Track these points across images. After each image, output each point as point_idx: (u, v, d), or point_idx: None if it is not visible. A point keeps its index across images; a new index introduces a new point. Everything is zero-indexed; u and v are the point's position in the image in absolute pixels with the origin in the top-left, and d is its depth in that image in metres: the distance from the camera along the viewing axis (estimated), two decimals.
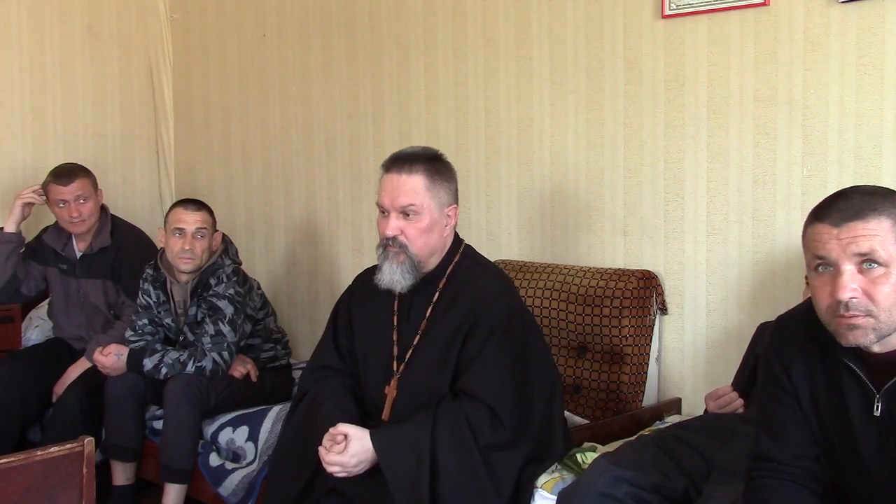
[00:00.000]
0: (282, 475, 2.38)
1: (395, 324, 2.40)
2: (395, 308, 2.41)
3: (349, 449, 2.17)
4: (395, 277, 2.31)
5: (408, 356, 2.35)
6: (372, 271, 2.54)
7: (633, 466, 2.03)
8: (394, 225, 2.29)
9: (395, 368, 2.36)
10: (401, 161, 2.32)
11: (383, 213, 2.33)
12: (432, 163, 2.34)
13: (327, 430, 2.23)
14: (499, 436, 2.21)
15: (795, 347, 1.73)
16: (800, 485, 1.73)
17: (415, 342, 2.36)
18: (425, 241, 2.32)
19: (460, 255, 2.42)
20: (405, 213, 2.29)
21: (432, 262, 2.37)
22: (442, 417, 2.19)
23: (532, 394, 2.29)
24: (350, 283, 2.63)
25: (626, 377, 2.85)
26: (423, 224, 2.30)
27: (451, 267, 2.39)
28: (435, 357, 2.32)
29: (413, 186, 2.29)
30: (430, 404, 2.25)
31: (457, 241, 2.44)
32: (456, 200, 2.40)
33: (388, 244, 2.30)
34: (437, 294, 2.36)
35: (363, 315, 2.48)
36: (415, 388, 2.32)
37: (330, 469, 2.18)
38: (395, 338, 2.39)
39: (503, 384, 2.23)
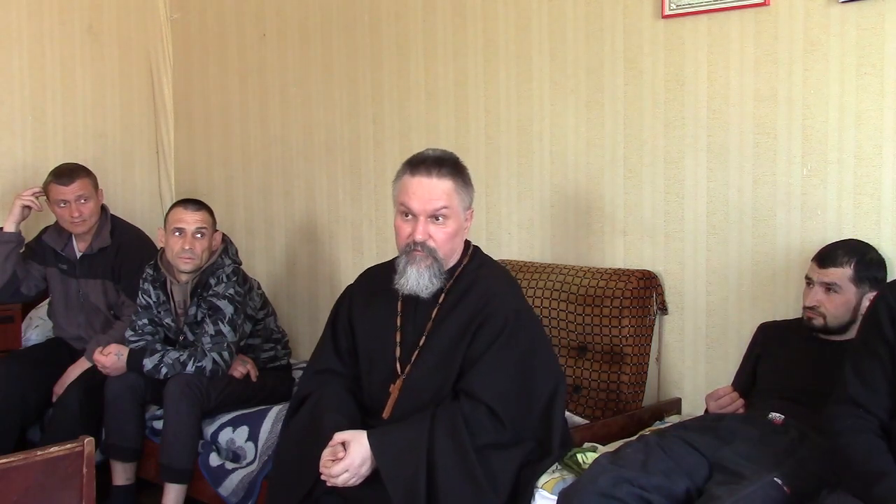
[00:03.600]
0: (285, 481, 2.36)
1: (399, 325, 2.38)
2: (399, 309, 2.38)
3: (351, 453, 2.15)
4: (422, 282, 2.26)
5: (413, 357, 2.33)
6: (372, 271, 2.53)
7: (634, 466, 2.03)
8: (423, 229, 2.24)
9: (398, 369, 2.34)
10: (428, 163, 2.26)
11: (407, 216, 2.27)
12: (457, 167, 2.31)
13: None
14: (498, 436, 2.20)
15: None
16: (881, 440, 1.80)
17: (420, 343, 2.33)
18: (451, 247, 2.31)
19: (468, 257, 2.40)
20: (435, 217, 2.25)
21: (448, 265, 2.34)
22: (440, 419, 2.18)
23: (534, 396, 2.28)
24: (349, 283, 2.62)
25: (626, 377, 2.85)
26: (450, 229, 2.27)
27: (459, 270, 2.37)
28: (440, 358, 2.29)
29: (444, 189, 2.25)
30: (432, 404, 2.23)
31: (465, 242, 2.42)
32: (472, 204, 2.37)
33: (415, 249, 2.25)
34: (442, 296, 2.33)
35: (365, 315, 2.45)
36: (419, 389, 2.30)
37: (339, 480, 2.14)
38: (398, 339, 2.36)
39: (505, 386, 2.22)
